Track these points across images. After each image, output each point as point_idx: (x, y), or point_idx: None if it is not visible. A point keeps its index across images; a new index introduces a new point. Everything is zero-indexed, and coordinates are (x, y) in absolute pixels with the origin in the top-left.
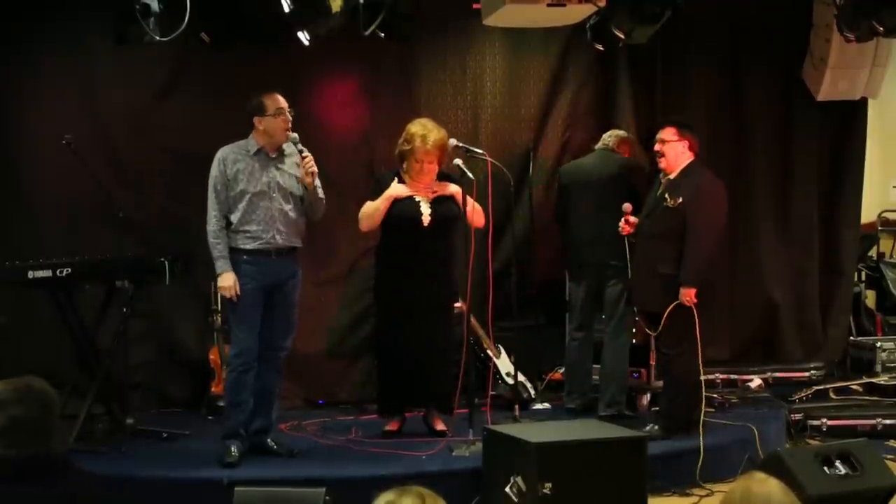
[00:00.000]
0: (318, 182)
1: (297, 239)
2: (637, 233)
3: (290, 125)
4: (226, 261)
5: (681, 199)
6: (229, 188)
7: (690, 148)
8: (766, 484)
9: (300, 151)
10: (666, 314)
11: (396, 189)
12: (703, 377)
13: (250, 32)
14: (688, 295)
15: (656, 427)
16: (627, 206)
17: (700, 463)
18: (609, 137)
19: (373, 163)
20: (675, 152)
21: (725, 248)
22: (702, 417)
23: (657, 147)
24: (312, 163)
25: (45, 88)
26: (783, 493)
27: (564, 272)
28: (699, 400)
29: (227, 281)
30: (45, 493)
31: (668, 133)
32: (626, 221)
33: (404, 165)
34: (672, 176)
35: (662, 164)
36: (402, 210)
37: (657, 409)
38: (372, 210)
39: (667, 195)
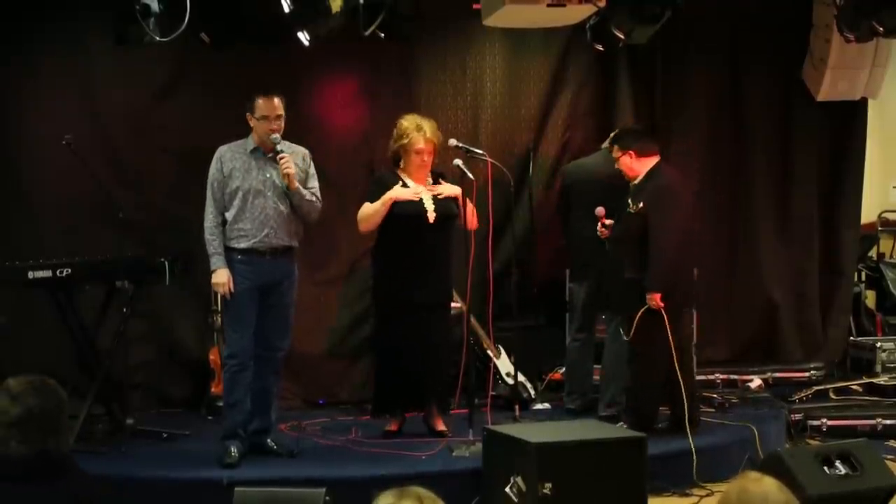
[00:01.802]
0: (314, 184)
1: (292, 239)
2: (610, 239)
3: (273, 131)
4: (220, 257)
5: (641, 205)
6: (225, 186)
7: (641, 155)
8: (762, 483)
9: (278, 152)
10: (637, 318)
11: (397, 192)
12: (696, 377)
13: (250, 33)
14: (653, 300)
15: (625, 425)
16: (600, 210)
17: (695, 464)
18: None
19: (373, 163)
20: (626, 165)
21: (693, 249)
22: (686, 415)
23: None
24: (288, 164)
25: (45, 88)
26: (780, 492)
27: (565, 272)
28: (661, 398)
29: (221, 277)
30: (51, 493)
31: (614, 150)
32: (603, 225)
33: (401, 163)
34: (637, 181)
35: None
36: (407, 207)
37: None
38: (371, 212)
39: (630, 200)
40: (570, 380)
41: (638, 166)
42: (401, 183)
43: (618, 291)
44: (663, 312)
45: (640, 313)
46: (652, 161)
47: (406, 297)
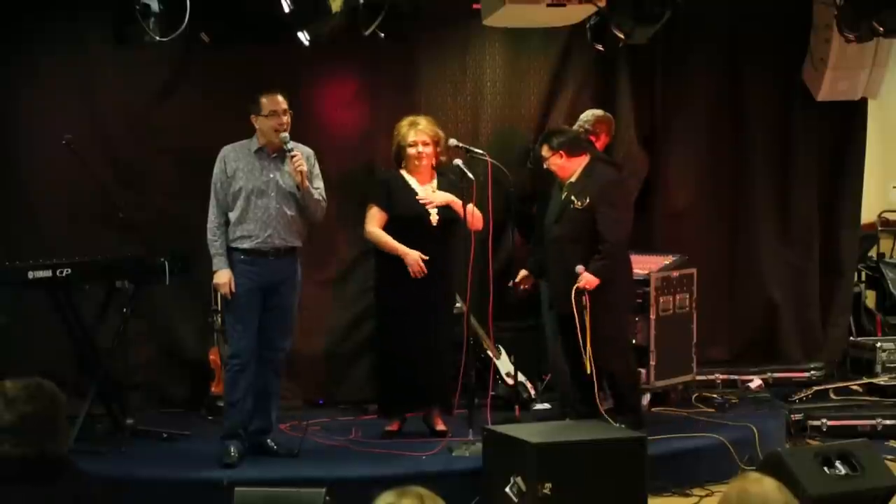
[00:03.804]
0: (320, 185)
1: (296, 239)
2: (551, 239)
3: (282, 127)
4: (222, 258)
5: (588, 200)
6: (229, 186)
7: (571, 154)
8: (762, 483)
9: (289, 150)
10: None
11: (413, 260)
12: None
13: (250, 32)
14: (590, 283)
15: (623, 426)
16: (580, 268)
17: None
18: (587, 117)
19: (373, 163)
20: (558, 165)
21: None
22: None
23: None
24: (301, 162)
25: (45, 88)
26: (779, 492)
27: None
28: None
29: (223, 278)
30: (48, 494)
31: (543, 151)
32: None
33: (403, 163)
34: (573, 179)
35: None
36: (410, 210)
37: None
38: (381, 242)
39: (573, 197)
40: (555, 385)
41: (569, 166)
42: (433, 218)
43: (563, 290)
44: (610, 308)
45: (573, 289)
46: (583, 160)
47: (409, 301)
